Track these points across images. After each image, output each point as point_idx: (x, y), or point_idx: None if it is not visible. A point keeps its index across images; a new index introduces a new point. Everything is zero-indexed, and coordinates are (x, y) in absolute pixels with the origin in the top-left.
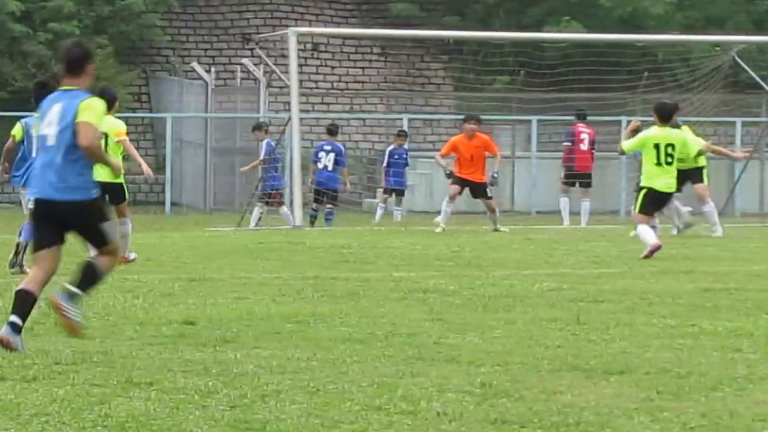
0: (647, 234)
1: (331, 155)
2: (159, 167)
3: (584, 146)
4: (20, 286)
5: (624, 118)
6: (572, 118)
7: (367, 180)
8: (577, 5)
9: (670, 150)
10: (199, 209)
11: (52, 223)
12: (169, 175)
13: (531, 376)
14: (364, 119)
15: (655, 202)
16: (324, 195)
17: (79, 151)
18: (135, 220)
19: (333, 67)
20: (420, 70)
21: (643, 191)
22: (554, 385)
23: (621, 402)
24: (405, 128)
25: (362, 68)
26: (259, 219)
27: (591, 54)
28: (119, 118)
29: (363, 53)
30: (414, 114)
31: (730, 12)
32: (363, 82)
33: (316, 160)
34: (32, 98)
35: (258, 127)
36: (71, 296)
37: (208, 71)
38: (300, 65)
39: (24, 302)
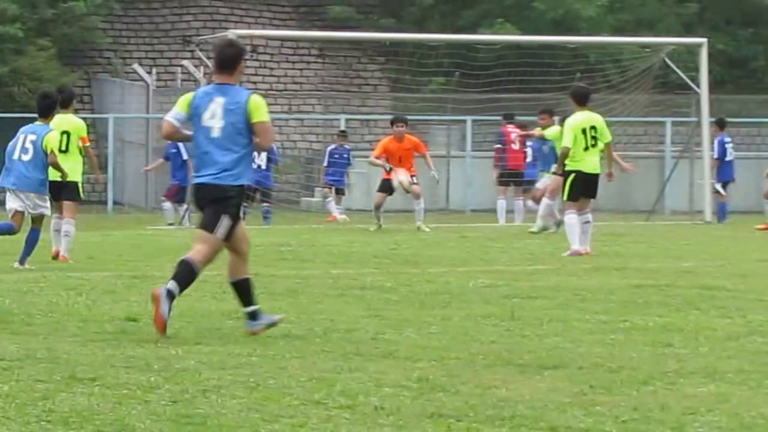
0: (573, 233)
1: (263, 154)
2: (101, 167)
3: (515, 146)
4: (183, 257)
5: (557, 118)
6: (491, 118)
7: (305, 179)
8: (511, 8)
9: (593, 132)
10: (140, 208)
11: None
12: (111, 174)
13: (467, 370)
14: (302, 119)
15: (584, 185)
16: (258, 193)
17: (241, 142)
18: (77, 218)
19: (272, 69)
20: (357, 72)
21: (572, 175)
22: (489, 379)
23: (555, 396)
24: (343, 128)
25: (300, 69)
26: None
27: (524, 55)
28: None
29: (301, 55)
30: (351, 114)
31: (660, 14)
32: (301, 83)
33: None
34: (39, 110)
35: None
36: (251, 316)
37: (149, 73)
38: None
39: (183, 272)
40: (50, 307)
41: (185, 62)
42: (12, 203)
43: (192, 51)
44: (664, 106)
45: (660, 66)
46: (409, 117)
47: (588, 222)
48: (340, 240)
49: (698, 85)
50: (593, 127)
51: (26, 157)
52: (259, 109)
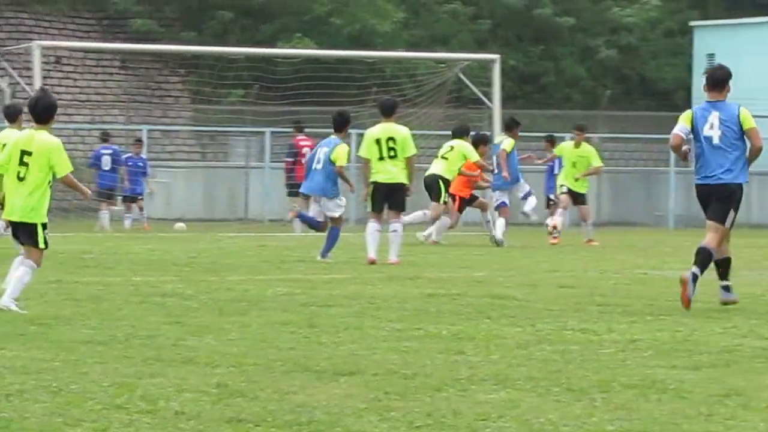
0: (370, 242)
1: (107, 158)
2: None
3: (305, 159)
4: (701, 245)
5: (354, 132)
6: (290, 130)
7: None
8: (309, 23)
9: (391, 144)
10: None
11: (711, 201)
12: None
13: (265, 376)
14: (105, 129)
15: (381, 195)
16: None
17: (737, 146)
18: None
19: (75, 80)
20: (158, 83)
21: (370, 186)
22: (287, 385)
23: (351, 402)
24: (144, 139)
25: (103, 81)
26: None
27: (322, 69)
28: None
29: (104, 66)
30: (153, 125)
31: (454, 31)
32: (104, 94)
33: (98, 164)
34: (334, 126)
35: None
36: (725, 288)
37: None
38: (44, 77)
39: (703, 257)
40: None
41: None
42: (313, 208)
43: None
44: (458, 120)
45: (454, 81)
46: (209, 128)
47: (395, 232)
48: (142, 248)
49: (491, 100)
50: (391, 138)
51: (319, 167)
52: (749, 118)
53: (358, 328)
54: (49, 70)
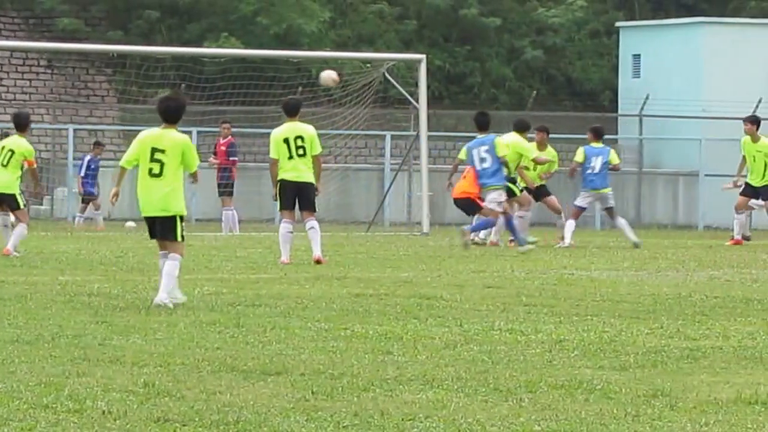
0: (283, 244)
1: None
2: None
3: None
4: None
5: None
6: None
7: (33, 188)
8: (235, 22)
9: (299, 142)
10: None
11: None
12: None
13: (192, 376)
14: (30, 129)
15: (289, 193)
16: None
17: None
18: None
19: (1, 79)
20: (85, 83)
21: (278, 185)
22: (214, 385)
23: (278, 401)
24: (70, 138)
25: (29, 80)
26: None
27: (248, 69)
28: None
29: (30, 65)
30: (79, 125)
31: (380, 31)
32: (30, 94)
33: None
34: (479, 126)
35: None
36: None
37: None
38: None
39: None
40: None
41: None
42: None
43: None
44: (384, 120)
45: (380, 81)
46: (135, 128)
47: (312, 228)
48: (69, 247)
49: (417, 100)
50: (299, 137)
51: (486, 165)
52: None
53: (285, 328)
54: None
